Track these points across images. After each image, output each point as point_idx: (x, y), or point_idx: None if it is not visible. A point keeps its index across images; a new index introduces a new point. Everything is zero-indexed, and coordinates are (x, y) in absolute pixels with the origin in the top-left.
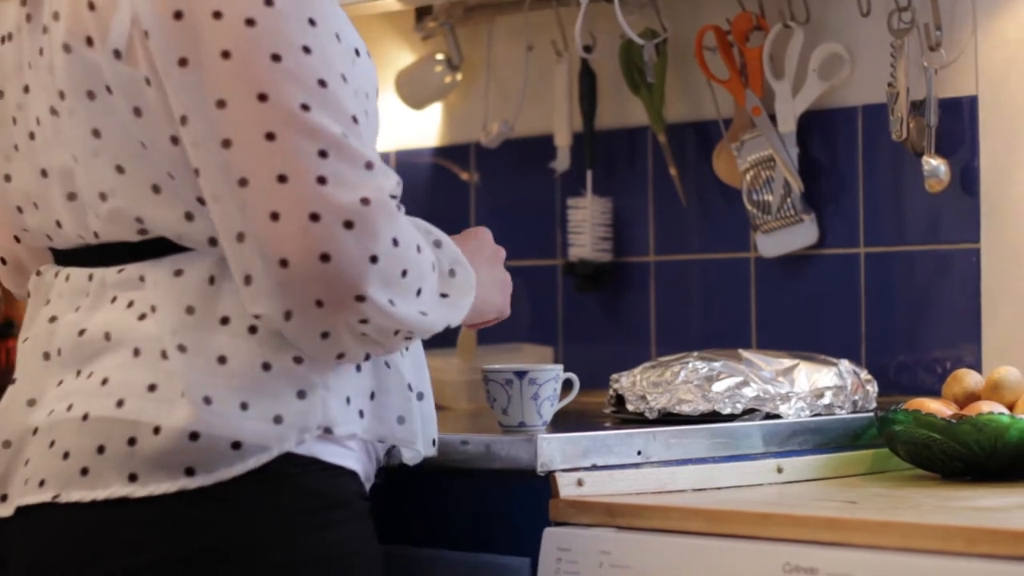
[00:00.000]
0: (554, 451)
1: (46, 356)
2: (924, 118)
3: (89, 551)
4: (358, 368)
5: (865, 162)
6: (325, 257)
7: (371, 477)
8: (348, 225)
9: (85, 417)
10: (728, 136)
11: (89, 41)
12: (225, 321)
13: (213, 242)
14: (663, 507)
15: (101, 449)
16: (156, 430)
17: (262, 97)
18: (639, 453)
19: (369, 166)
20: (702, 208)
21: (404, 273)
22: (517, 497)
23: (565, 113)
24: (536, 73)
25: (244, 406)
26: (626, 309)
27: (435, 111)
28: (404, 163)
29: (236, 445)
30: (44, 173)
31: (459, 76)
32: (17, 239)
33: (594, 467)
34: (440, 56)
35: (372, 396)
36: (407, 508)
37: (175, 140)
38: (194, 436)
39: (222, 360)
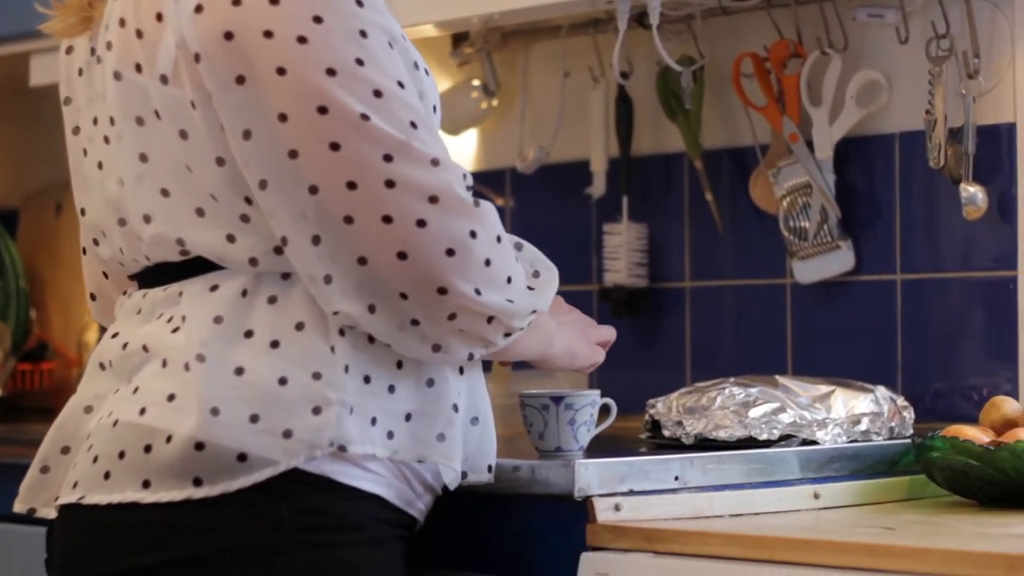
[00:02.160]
0: (591, 476)
1: (101, 366)
2: (962, 145)
3: (103, 550)
4: (391, 389)
5: (902, 189)
6: (402, 255)
7: (414, 503)
8: (421, 224)
9: (115, 423)
10: (765, 163)
11: (138, 68)
12: (249, 334)
13: (253, 262)
14: (701, 532)
15: (122, 454)
16: (168, 438)
17: (322, 110)
18: (676, 479)
19: (435, 163)
20: (738, 234)
21: (487, 262)
22: (554, 522)
23: (601, 139)
24: (572, 99)
25: (254, 418)
26: (661, 335)
27: (471, 137)
28: None
29: (242, 457)
30: (107, 202)
31: (495, 102)
32: (106, 275)
33: (631, 492)
34: (476, 82)
35: (408, 417)
36: (444, 532)
37: (220, 161)
38: (199, 446)
39: (239, 371)
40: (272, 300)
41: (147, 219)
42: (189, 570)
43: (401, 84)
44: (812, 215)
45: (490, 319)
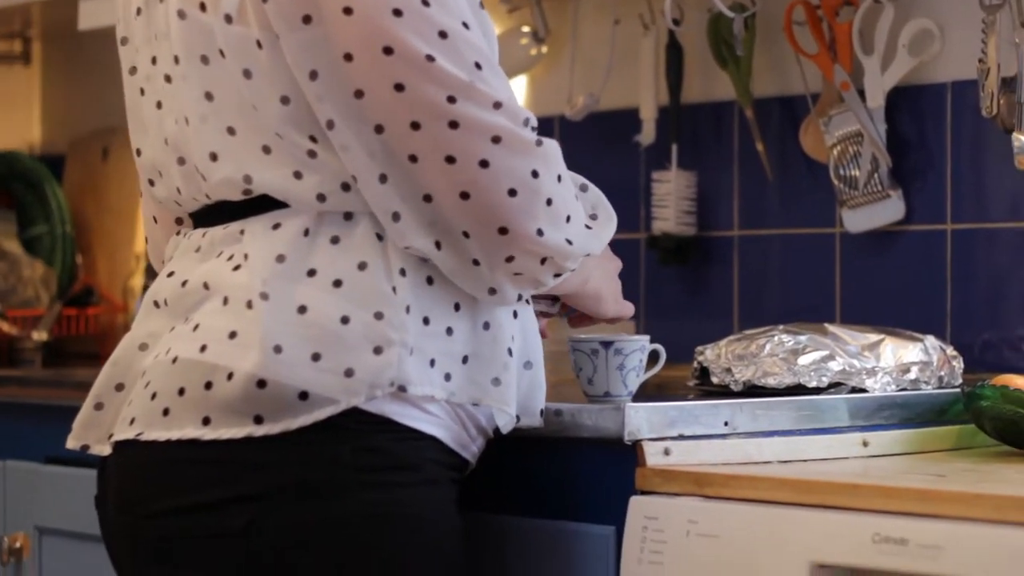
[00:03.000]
0: (641, 420)
1: (155, 304)
2: (1015, 94)
3: (161, 487)
4: (449, 332)
5: (953, 139)
6: (465, 195)
7: (468, 446)
8: (483, 164)
9: (174, 360)
10: (816, 111)
11: (202, 7)
12: (312, 273)
13: (321, 199)
14: (750, 477)
15: (182, 391)
16: (230, 375)
17: (387, 51)
18: (726, 424)
19: (498, 106)
20: (788, 183)
21: (549, 202)
22: (603, 466)
23: (651, 87)
24: (622, 46)
25: (316, 357)
26: (709, 283)
27: (520, 84)
28: None
29: (303, 395)
30: (166, 141)
31: (544, 49)
32: (155, 219)
33: (681, 437)
34: (526, 28)
35: (465, 360)
36: (493, 476)
37: (285, 100)
38: (261, 383)
39: (302, 310)
40: (335, 240)
41: (213, 157)
42: (249, 507)
43: (466, 24)
44: (863, 164)
45: (544, 260)
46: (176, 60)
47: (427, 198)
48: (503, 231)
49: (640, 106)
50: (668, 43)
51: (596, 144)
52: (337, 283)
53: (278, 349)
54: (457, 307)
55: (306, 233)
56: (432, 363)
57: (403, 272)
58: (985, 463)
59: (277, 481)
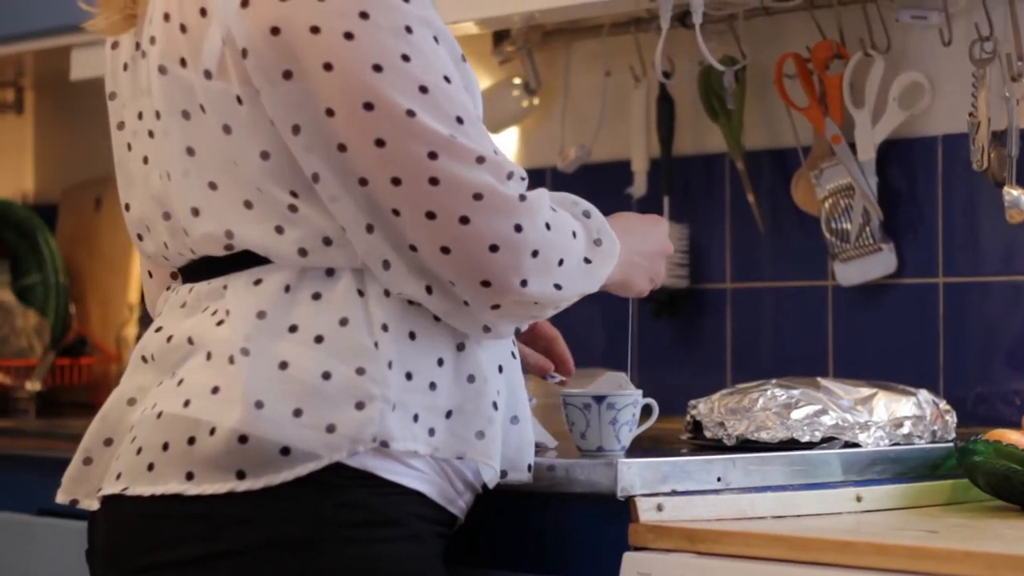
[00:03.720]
0: (634, 476)
1: (143, 359)
2: (1005, 148)
3: (146, 541)
4: (433, 386)
5: (944, 192)
6: (445, 250)
7: (455, 500)
8: (464, 220)
9: (159, 415)
10: (807, 164)
11: (183, 62)
12: (293, 329)
13: (303, 253)
14: (744, 533)
15: (166, 446)
16: (212, 431)
17: (368, 106)
18: (719, 479)
19: (481, 160)
20: (780, 235)
21: (535, 254)
22: (596, 522)
23: (642, 139)
24: (613, 98)
25: (297, 412)
26: (702, 336)
27: (511, 135)
28: None
29: (285, 451)
30: (152, 196)
31: (536, 100)
32: (150, 274)
33: (674, 492)
34: (517, 80)
35: (448, 415)
36: (486, 530)
37: (265, 155)
38: (243, 439)
39: (283, 366)
40: (316, 296)
41: (195, 212)
42: (231, 562)
43: (447, 78)
44: (854, 217)
45: (536, 303)
46: (158, 115)
47: (412, 248)
48: (486, 284)
49: (631, 158)
50: (659, 95)
51: (588, 196)
52: (319, 339)
53: (259, 404)
54: (440, 362)
55: (287, 289)
56: (416, 418)
57: (385, 327)
58: (978, 518)
59: (259, 537)
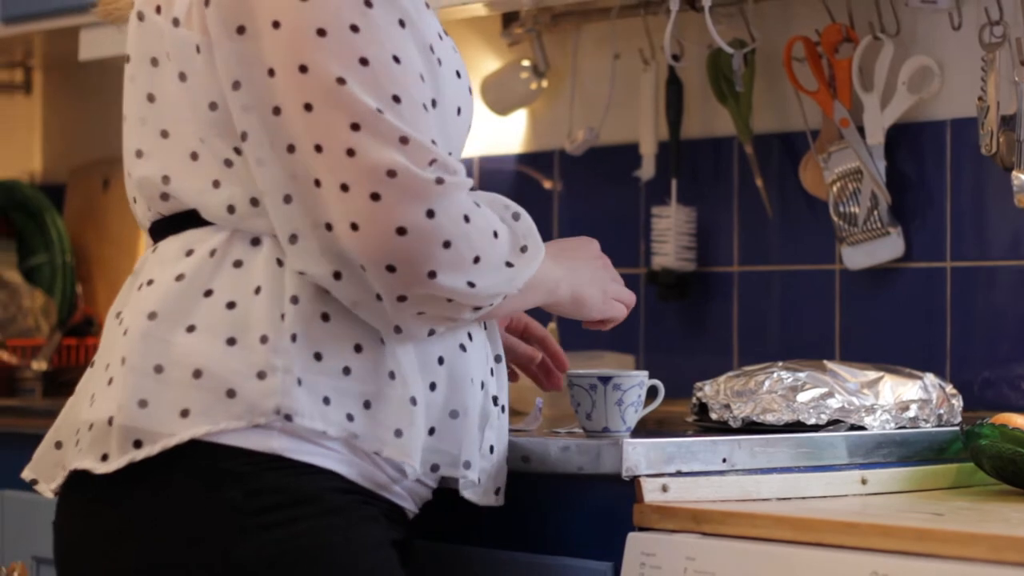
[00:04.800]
0: (639, 456)
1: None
2: (1014, 132)
3: (67, 519)
4: (347, 371)
5: (953, 176)
6: (354, 227)
7: (387, 486)
8: (375, 197)
9: (92, 397)
10: (815, 147)
11: (158, 9)
12: (208, 294)
13: (231, 210)
14: (748, 514)
15: (91, 427)
16: (116, 400)
17: (303, 68)
18: (724, 460)
19: (404, 141)
20: (787, 219)
21: (447, 244)
22: (601, 501)
23: (651, 122)
24: (622, 81)
25: (197, 374)
26: (709, 319)
27: (520, 118)
28: (487, 170)
29: (184, 413)
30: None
31: (545, 83)
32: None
33: (679, 473)
34: (526, 63)
35: (368, 405)
36: (491, 511)
37: (213, 106)
38: (143, 403)
39: (191, 329)
40: (238, 264)
41: (139, 154)
42: (153, 567)
43: (397, 59)
44: (862, 201)
45: (450, 299)
46: (128, 60)
47: (327, 226)
48: (391, 269)
49: (640, 141)
50: (668, 78)
51: (596, 179)
52: (231, 304)
53: (159, 369)
54: (358, 348)
55: (212, 254)
56: (327, 400)
57: (295, 299)
58: (984, 502)
59: (174, 536)
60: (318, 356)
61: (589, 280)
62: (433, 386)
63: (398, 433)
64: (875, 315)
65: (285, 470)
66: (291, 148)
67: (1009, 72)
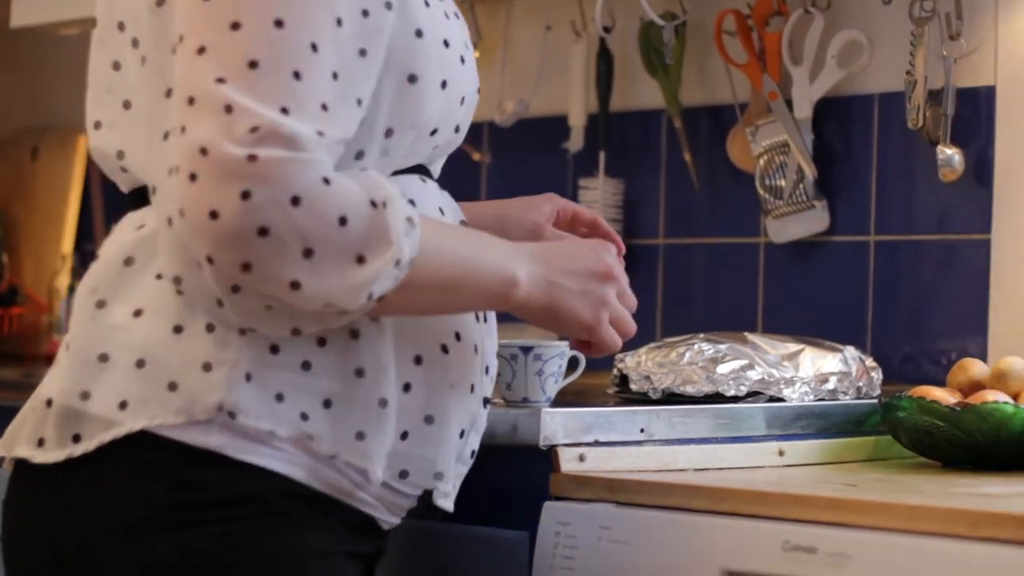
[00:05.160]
0: (557, 426)
1: None
2: (941, 107)
3: (7, 503)
4: (306, 367)
5: (880, 150)
6: (182, 213)
7: (351, 492)
8: (192, 178)
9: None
10: (743, 120)
11: None
12: (159, 277)
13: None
14: (664, 484)
15: (33, 409)
16: (59, 390)
17: (181, 39)
18: (642, 431)
19: (228, 110)
20: (714, 192)
21: (263, 231)
22: (518, 471)
23: (581, 94)
24: (553, 53)
25: (140, 364)
26: (634, 290)
27: None
28: None
29: (123, 405)
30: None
31: (476, 54)
32: None
33: (596, 443)
34: None
35: (328, 404)
36: None
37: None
38: (85, 395)
39: (137, 313)
40: None
41: (97, 125)
42: (63, 556)
43: (280, 23)
44: (788, 174)
45: (268, 305)
46: (95, 23)
47: (169, 220)
48: (209, 260)
49: (569, 113)
50: (599, 50)
51: (525, 150)
52: (177, 280)
53: (104, 357)
54: (322, 342)
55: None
56: (280, 397)
57: (236, 288)
58: (900, 474)
59: (103, 525)
60: (274, 349)
61: (578, 292)
62: (408, 387)
63: (360, 436)
64: (799, 288)
65: (222, 468)
66: (165, 136)
67: (938, 47)
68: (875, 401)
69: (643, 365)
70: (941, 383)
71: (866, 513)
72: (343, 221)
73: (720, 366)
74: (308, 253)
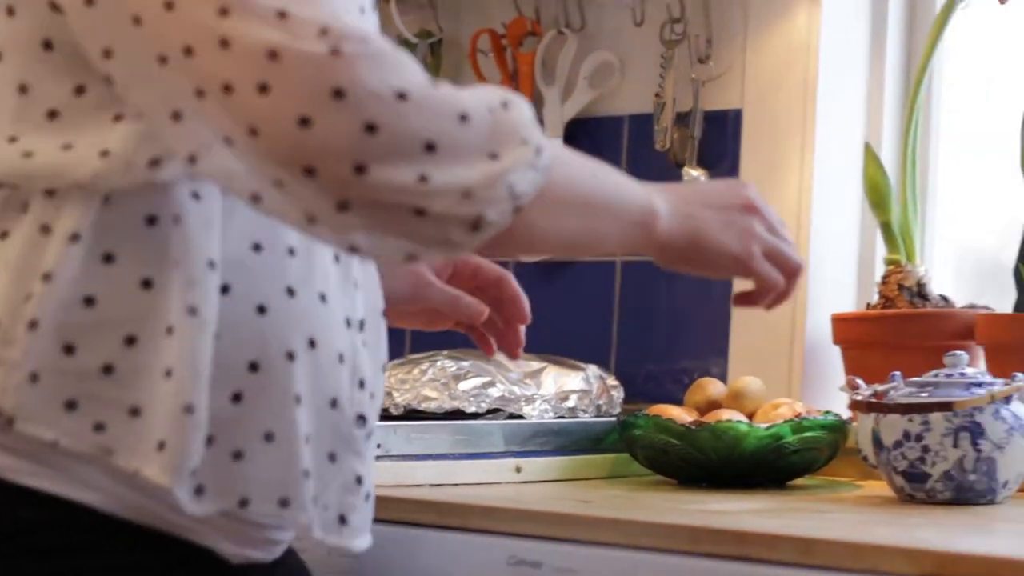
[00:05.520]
0: None
1: None
2: (688, 129)
3: None
4: (108, 371)
5: (629, 171)
6: (253, 131)
7: (171, 521)
8: (262, 89)
9: None
10: None
11: None
12: None
13: (27, 155)
14: (397, 499)
15: None
16: None
17: None
18: (378, 446)
19: (282, 16)
20: None
21: (371, 128)
22: None
23: None
24: None
25: None
26: None
27: None
28: None
29: None
30: None
31: None
32: None
33: None
34: None
35: (135, 412)
36: None
37: (47, 44)
38: None
39: None
40: (4, 235)
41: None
42: None
43: None
44: None
45: (419, 210)
46: None
47: (227, 140)
48: (308, 171)
49: None
50: None
51: None
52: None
53: None
54: (131, 340)
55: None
56: (71, 405)
57: (48, 278)
58: (636, 491)
59: None
60: (68, 349)
61: (723, 224)
62: (238, 397)
63: (161, 446)
64: (546, 307)
65: None
66: (162, 60)
67: (687, 69)
68: (614, 419)
69: (385, 381)
70: (680, 401)
71: (592, 529)
72: (464, 118)
73: (462, 383)
74: (430, 147)
